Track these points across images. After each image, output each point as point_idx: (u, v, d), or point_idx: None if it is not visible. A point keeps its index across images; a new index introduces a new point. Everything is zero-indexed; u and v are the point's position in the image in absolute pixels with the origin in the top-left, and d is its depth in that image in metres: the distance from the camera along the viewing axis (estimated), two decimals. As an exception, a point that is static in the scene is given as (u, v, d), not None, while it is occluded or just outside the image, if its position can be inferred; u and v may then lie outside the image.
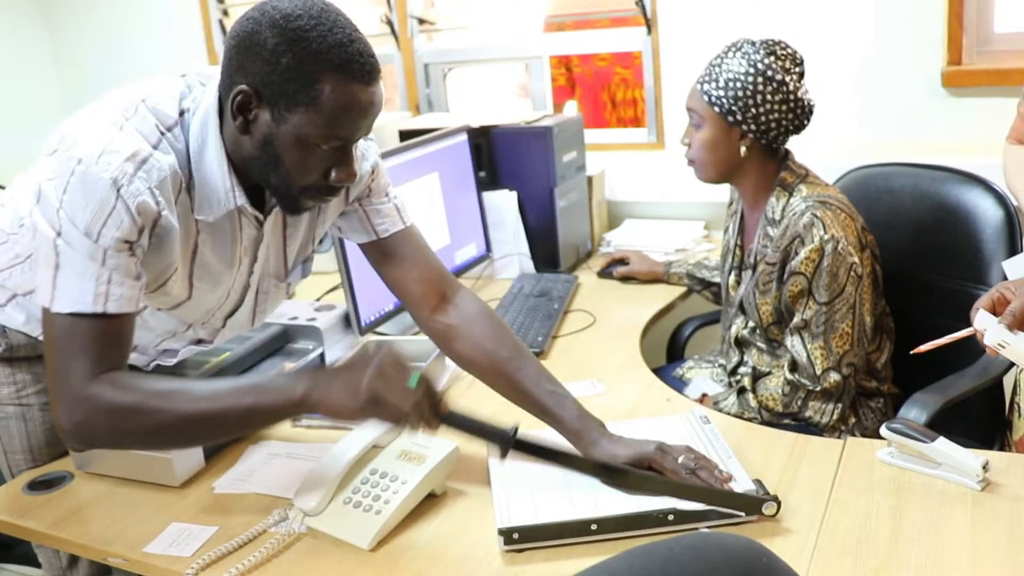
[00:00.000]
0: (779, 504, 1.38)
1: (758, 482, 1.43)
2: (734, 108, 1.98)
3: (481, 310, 1.70)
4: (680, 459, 1.47)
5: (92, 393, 1.33)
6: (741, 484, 1.43)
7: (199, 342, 1.71)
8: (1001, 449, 1.93)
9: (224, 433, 1.51)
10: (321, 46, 1.31)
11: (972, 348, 2.03)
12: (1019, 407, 1.82)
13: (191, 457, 1.64)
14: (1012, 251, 2.04)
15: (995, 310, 1.42)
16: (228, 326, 1.70)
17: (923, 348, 1.48)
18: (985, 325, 1.40)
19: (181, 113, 1.42)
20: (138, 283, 1.38)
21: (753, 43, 1.99)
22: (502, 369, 1.63)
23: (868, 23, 2.82)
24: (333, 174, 1.43)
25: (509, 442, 1.48)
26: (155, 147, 1.37)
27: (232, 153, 1.43)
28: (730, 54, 1.99)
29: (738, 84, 1.96)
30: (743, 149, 2.02)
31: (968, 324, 1.44)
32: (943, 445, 1.47)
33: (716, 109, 2.00)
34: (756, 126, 1.99)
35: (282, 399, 1.36)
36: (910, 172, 2.32)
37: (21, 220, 1.58)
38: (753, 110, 1.97)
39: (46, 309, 1.35)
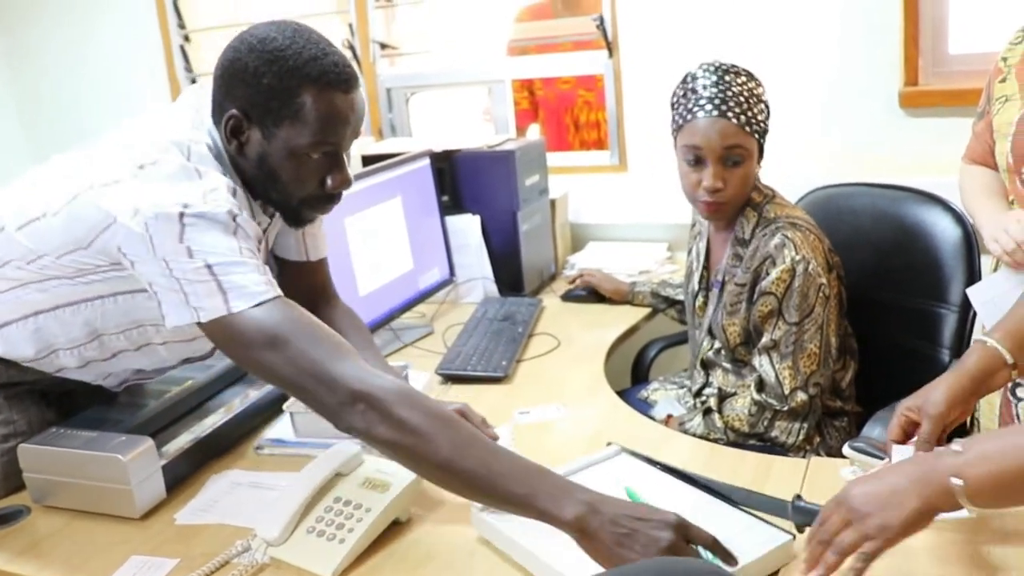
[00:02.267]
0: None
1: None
2: (765, 129, 1.99)
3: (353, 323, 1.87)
4: None
5: (376, 395, 1.33)
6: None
7: (186, 360, 1.79)
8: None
9: (468, 496, 1.40)
10: (297, 62, 1.44)
11: (934, 365, 2.06)
12: (979, 423, 1.84)
13: (152, 488, 1.61)
14: (970, 270, 2.07)
15: (906, 436, 1.41)
16: None
17: None
18: (904, 456, 1.37)
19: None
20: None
21: (725, 64, 1.99)
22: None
23: (829, 45, 2.85)
24: (328, 182, 1.54)
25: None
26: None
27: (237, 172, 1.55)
28: (728, 78, 1.95)
29: (757, 104, 1.97)
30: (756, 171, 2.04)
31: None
32: (905, 463, 1.47)
33: (756, 137, 1.97)
34: (763, 143, 2.01)
35: (552, 510, 1.27)
36: (871, 192, 2.34)
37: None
38: (766, 127, 2.00)
39: (223, 320, 1.37)
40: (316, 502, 1.47)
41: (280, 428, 1.89)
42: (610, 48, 3.21)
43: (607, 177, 3.31)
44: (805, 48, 2.89)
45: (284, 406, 1.85)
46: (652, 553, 1.19)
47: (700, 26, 2.99)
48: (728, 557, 1.23)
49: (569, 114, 3.98)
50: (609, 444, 1.62)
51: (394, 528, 1.49)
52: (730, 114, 1.92)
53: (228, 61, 1.48)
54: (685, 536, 1.23)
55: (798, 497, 1.37)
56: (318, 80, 1.45)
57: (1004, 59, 1.92)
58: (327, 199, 1.58)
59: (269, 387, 1.96)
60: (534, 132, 3.98)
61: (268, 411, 1.95)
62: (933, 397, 1.41)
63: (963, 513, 1.16)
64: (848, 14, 2.82)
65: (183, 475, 1.71)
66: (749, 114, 1.94)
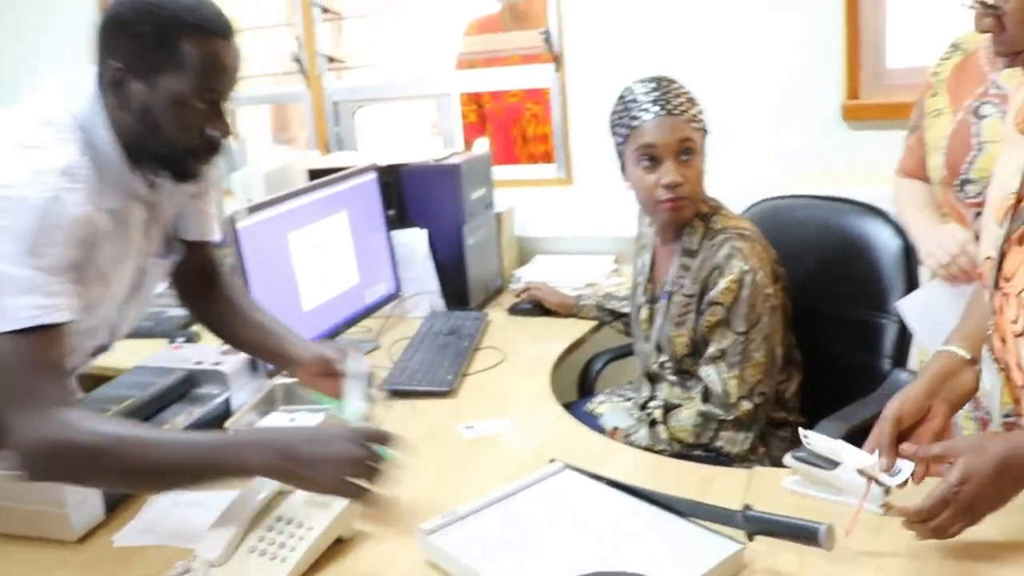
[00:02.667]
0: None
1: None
2: (706, 130, 2.06)
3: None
4: None
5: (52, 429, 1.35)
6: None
7: (96, 352, 1.76)
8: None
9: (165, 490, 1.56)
10: (176, 11, 1.46)
11: (876, 375, 2.09)
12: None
13: (89, 510, 1.58)
14: (910, 280, 2.10)
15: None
16: (125, 317, 1.73)
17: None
18: (862, 461, 1.40)
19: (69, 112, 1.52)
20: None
21: (659, 76, 2.05)
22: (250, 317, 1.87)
23: (774, 60, 2.90)
24: (209, 130, 1.53)
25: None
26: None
27: (117, 135, 1.53)
28: (663, 83, 2.04)
29: (696, 105, 2.04)
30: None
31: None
32: (845, 472, 1.48)
33: (701, 134, 2.04)
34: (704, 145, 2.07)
35: (240, 466, 1.41)
36: (815, 204, 2.37)
37: None
38: (706, 129, 2.06)
39: None
40: (259, 521, 1.45)
41: (223, 446, 1.86)
42: (557, 61, 3.23)
43: (553, 190, 3.33)
44: (751, 63, 2.93)
45: (227, 424, 1.83)
46: (346, 469, 1.36)
47: (646, 40, 3.02)
48: (386, 439, 1.41)
49: (517, 127, 3.98)
50: (552, 461, 1.62)
51: (338, 546, 1.47)
52: (675, 111, 2.00)
53: (108, 16, 1.49)
54: (366, 440, 1.39)
55: (747, 507, 1.38)
56: (198, 27, 1.47)
57: (935, 73, 1.96)
58: (209, 148, 1.57)
59: (211, 406, 1.94)
60: (482, 146, 3.97)
61: (211, 429, 1.92)
62: (891, 401, 1.43)
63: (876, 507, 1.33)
64: (792, 30, 2.87)
65: (122, 496, 1.67)
66: (692, 111, 2.02)
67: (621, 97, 2.07)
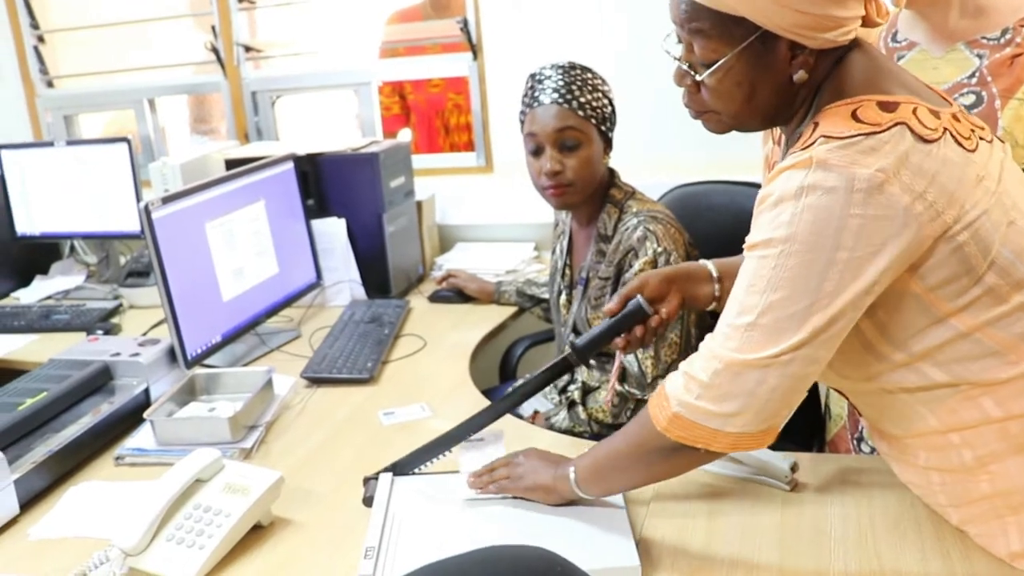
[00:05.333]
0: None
1: None
2: (604, 116, 2.07)
3: None
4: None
5: None
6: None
7: None
8: (820, 450, 2.03)
9: None
10: None
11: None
12: (829, 410, 1.92)
13: (2, 504, 1.57)
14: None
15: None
16: None
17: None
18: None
19: None
20: None
21: (570, 62, 2.08)
22: None
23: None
24: None
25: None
26: None
27: None
28: (570, 72, 2.06)
29: (594, 92, 2.06)
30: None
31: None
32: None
33: (594, 122, 2.06)
34: (607, 131, 2.10)
35: None
36: (729, 189, 2.42)
37: None
38: (604, 115, 2.08)
39: None
40: (176, 509, 1.46)
41: (141, 437, 1.86)
42: (474, 50, 3.25)
43: (474, 178, 3.35)
44: (663, 51, 2.96)
45: (145, 414, 1.83)
46: None
47: (564, 30, 3.05)
48: None
49: (439, 117, 4.00)
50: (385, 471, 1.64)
51: (256, 532, 1.49)
52: (562, 100, 2.04)
53: None
54: None
55: (572, 343, 1.58)
56: None
57: None
58: None
59: (129, 397, 1.94)
60: (405, 136, 3.98)
61: (129, 421, 1.92)
62: (642, 273, 1.67)
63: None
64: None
65: (38, 489, 1.67)
66: (583, 99, 2.04)
67: (528, 78, 2.12)
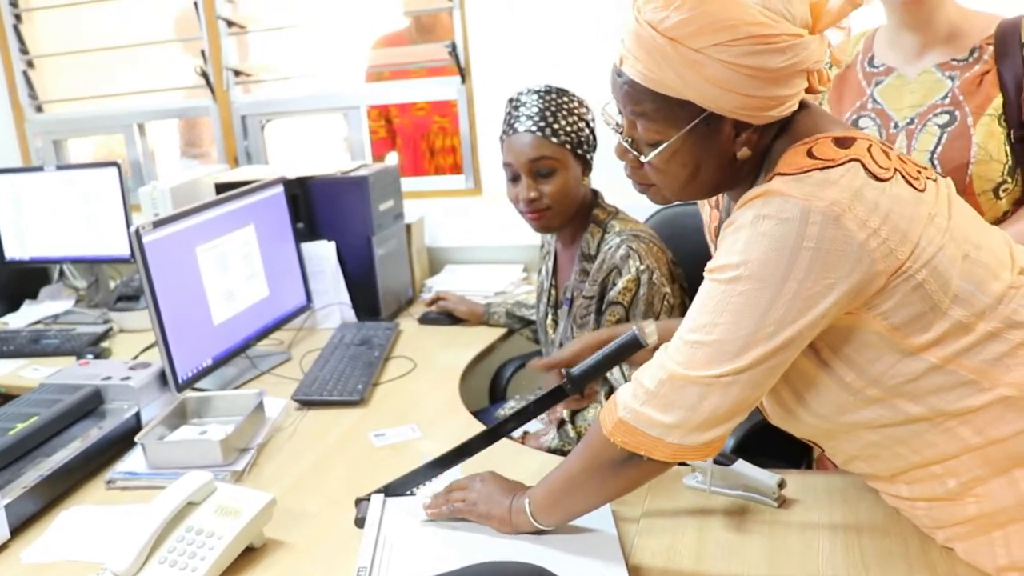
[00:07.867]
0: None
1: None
2: (580, 140, 2.09)
3: None
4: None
5: None
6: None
7: None
8: (808, 467, 2.05)
9: None
10: None
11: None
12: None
13: (-6, 528, 1.58)
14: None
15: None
16: None
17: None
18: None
19: None
20: None
21: (549, 86, 2.10)
22: None
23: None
24: None
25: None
26: None
27: None
28: (546, 97, 2.08)
29: (569, 117, 2.08)
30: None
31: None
32: (741, 467, 1.55)
33: (569, 148, 2.07)
34: (585, 155, 2.12)
35: None
36: (713, 211, 2.43)
37: None
38: (581, 139, 2.10)
39: None
40: (168, 532, 1.46)
41: (132, 461, 1.87)
42: (463, 74, 3.28)
43: (462, 201, 3.37)
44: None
45: (136, 437, 1.83)
46: None
47: (550, 52, 3.07)
48: None
49: (425, 140, 4.02)
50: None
51: (249, 554, 1.50)
52: (536, 129, 2.06)
53: None
54: None
55: (568, 372, 1.59)
56: None
57: None
58: None
59: (120, 421, 1.94)
60: (392, 159, 4.00)
61: (120, 444, 1.92)
62: (585, 335, 1.73)
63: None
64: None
65: (28, 514, 1.67)
66: (556, 126, 2.06)
67: (508, 102, 2.15)
